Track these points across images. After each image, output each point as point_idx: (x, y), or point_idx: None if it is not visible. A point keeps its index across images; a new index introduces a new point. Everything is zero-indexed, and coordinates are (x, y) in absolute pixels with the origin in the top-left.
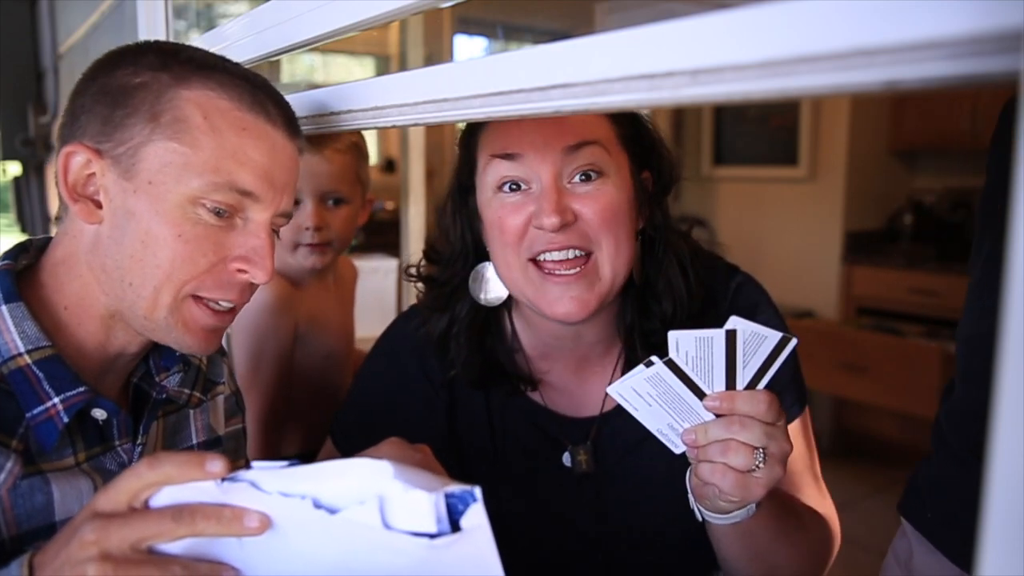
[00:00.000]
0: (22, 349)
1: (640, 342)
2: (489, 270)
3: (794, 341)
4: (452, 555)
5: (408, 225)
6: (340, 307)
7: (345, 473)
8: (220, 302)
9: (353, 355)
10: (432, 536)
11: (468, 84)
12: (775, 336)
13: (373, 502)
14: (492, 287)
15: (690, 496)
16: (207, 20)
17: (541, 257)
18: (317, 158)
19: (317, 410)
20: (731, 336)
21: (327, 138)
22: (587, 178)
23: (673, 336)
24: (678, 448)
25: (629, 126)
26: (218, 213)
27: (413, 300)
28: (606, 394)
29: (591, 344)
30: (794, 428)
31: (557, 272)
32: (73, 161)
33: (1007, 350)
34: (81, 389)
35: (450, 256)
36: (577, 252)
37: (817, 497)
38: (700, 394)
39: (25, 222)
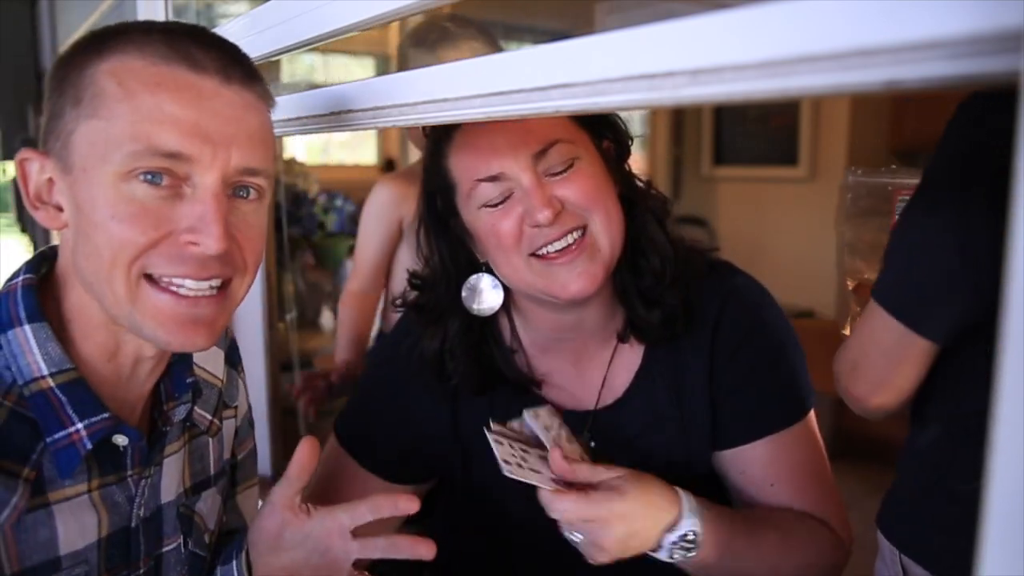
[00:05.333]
0: (45, 372)
1: (639, 300)
2: (482, 281)
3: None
4: None
5: None
6: None
7: None
8: (179, 281)
9: None
10: None
11: (468, 84)
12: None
13: None
14: (486, 297)
15: None
16: (207, 20)
17: (542, 251)
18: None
19: None
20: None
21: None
22: (562, 170)
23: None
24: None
25: None
26: (153, 181)
27: None
28: (602, 387)
29: (591, 331)
30: (791, 436)
31: (562, 256)
32: (29, 168)
33: (1007, 350)
34: (105, 415)
35: (433, 278)
36: (574, 235)
37: (823, 502)
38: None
39: (25, 222)
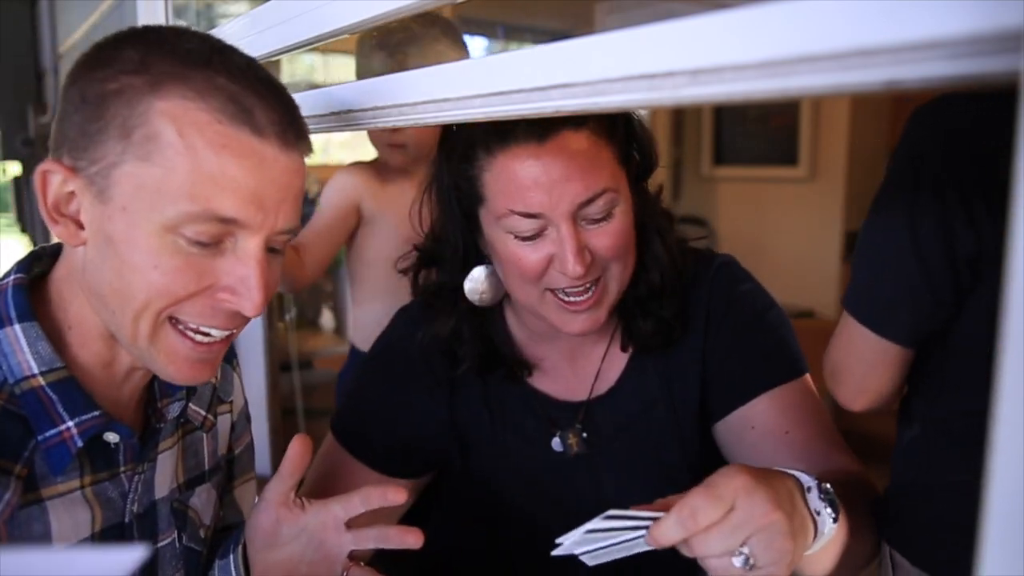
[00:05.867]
0: (36, 370)
1: (635, 312)
2: (485, 273)
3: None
4: None
5: None
6: None
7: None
8: (205, 329)
9: None
10: None
11: (468, 84)
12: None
13: None
14: (487, 288)
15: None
16: (207, 20)
17: (560, 292)
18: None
19: (396, 296)
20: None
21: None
22: (600, 218)
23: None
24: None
25: (624, 133)
26: (200, 243)
27: None
28: (596, 377)
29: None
30: (789, 390)
31: (575, 304)
32: (51, 180)
33: (1007, 349)
34: (96, 413)
35: (452, 256)
36: (592, 284)
37: (839, 446)
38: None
39: (25, 222)
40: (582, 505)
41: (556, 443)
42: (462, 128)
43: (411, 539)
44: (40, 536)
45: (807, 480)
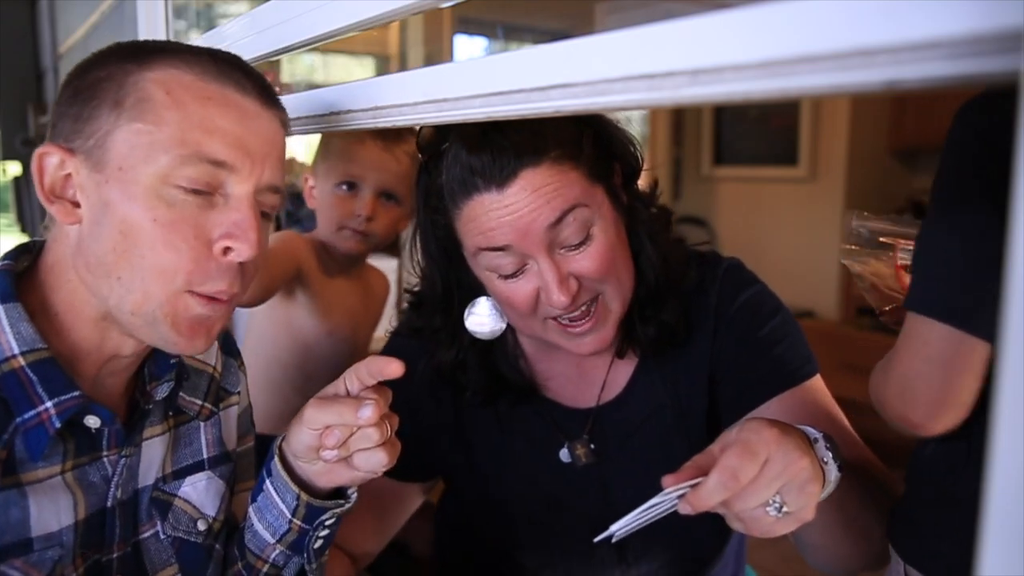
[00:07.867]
0: (16, 351)
1: (635, 317)
2: (485, 306)
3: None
4: None
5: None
6: (362, 304)
7: None
8: (212, 293)
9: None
10: None
11: (468, 84)
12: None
13: None
14: (489, 321)
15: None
16: (207, 20)
17: (560, 318)
18: (388, 155)
19: (308, 385)
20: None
21: (401, 138)
22: (578, 243)
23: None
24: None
25: (593, 144)
26: (194, 192)
27: None
28: (603, 385)
29: None
30: (801, 394)
31: (577, 325)
32: (47, 162)
33: (1007, 349)
34: (75, 394)
35: (437, 299)
36: (588, 304)
37: (862, 454)
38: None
39: (25, 222)
40: (590, 512)
41: (564, 454)
42: (432, 174)
43: (392, 368)
44: (18, 522)
45: (812, 432)
